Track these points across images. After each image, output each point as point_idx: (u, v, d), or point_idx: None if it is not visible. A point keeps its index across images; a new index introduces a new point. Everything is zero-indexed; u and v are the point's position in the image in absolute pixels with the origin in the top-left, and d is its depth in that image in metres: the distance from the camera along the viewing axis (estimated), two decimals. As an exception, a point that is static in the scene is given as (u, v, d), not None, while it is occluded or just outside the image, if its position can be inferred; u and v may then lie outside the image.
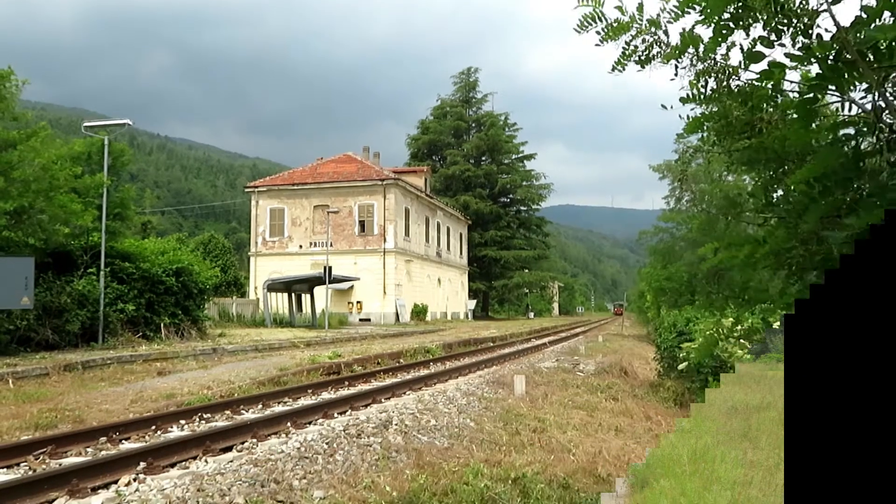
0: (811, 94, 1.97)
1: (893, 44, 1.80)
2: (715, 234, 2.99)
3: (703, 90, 2.32)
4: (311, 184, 46.25)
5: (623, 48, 2.33)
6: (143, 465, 6.42)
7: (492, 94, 75.95)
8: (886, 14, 1.80)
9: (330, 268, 29.47)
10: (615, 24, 2.26)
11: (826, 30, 2.00)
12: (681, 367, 11.52)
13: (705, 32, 2.15)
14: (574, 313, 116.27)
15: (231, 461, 6.46)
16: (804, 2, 2.00)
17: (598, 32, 2.29)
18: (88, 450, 7.39)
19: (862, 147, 2.04)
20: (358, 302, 44.49)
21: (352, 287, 43.31)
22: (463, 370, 16.21)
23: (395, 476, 6.31)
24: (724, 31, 2.11)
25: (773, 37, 2.06)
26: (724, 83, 2.28)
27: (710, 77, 2.30)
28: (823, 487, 0.82)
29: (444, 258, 56.84)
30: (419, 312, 47.14)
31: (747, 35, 2.11)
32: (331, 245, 39.36)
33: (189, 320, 22.44)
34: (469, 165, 69.79)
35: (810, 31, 2.02)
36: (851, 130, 2.06)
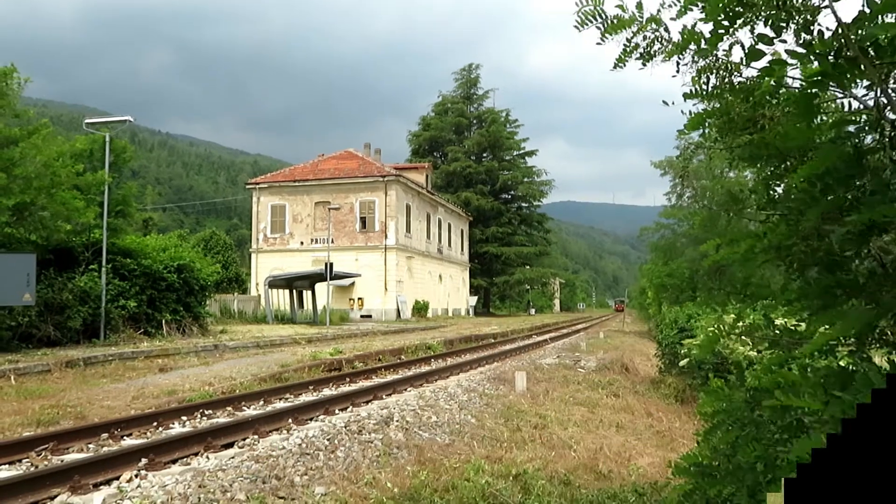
0: (811, 91, 1.96)
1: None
2: (716, 230, 2.99)
3: (704, 87, 2.32)
4: (313, 180, 46.25)
5: (624, 45, 2.32)
6: (144, 461, 6.43)
7: (493, 90, 75.94)
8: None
9: (331, 264, 29.47)
10: (615, 21, 2.25)
11: (827, 28, 1.99)
12: (682, 363, 11.51)
13: (707, 28, 2.15)
14: (575, 310, 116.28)
15: (232, 457, 6.47)
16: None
17: (598, 28, 2.28)
18: (90, 446, 7.40)
19: (864, 144, 2.04)
20: (359, 298, 44.52)
21: (353, 284, 43.34)
22: (464, 367, 16.21)
23: (396, 472, 6.32)
24: (723, 28, 2.10)
25: (773, 34, 2.06)
26: (726, 80, 2.28)
27: (711, 74, 2.30)
28: None
29: (446, 255, 56.84)
30: (420, 309, 47.17)
31: (752, 32, 2.10)
32: (332, 242, 39.37)
33: (190, 317, 22.47)
34: (470, 162, 69.72)
35: (812, 28, 2.02)
36: (853, 128, 2.05)
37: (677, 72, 2.31)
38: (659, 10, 2.24)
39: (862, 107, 2.02)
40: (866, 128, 2.01)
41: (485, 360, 18.27)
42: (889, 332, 2.18)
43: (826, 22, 2.00)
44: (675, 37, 2.25)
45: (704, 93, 2.33)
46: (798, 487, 1.16)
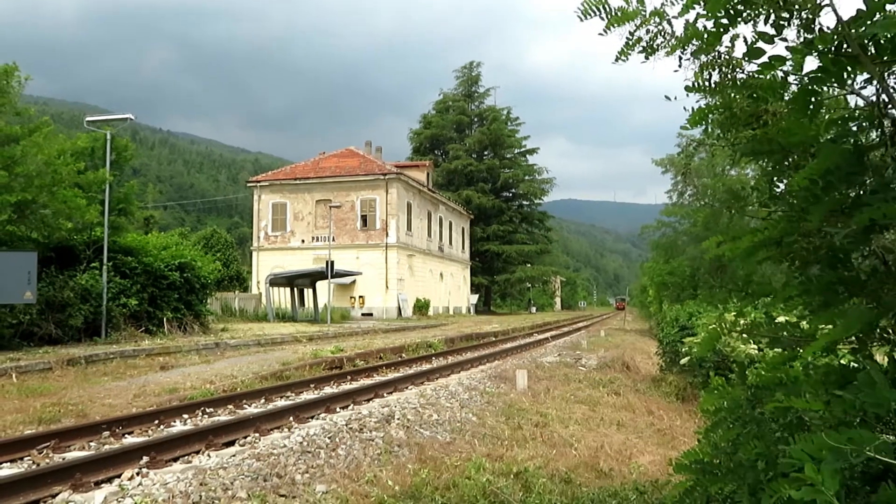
0: (810, 87, 1.96)
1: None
2: (718, 227, 2.98)
3: (707, 82, 2.31)
4: (314, 178, 46.25)
5: (627, 38, 2.32)
6: (146, 459, 6.43)
7: (494, 88, 75.95)
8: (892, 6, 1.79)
9: (332, 262, 29.46)
10: (619, 14, 2.24)
11: (827, 28, 1.98)
12: (683, 361, 11.50)
13: (710, 24, 2.14)
14: (576, 308, 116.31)
15: (234, 455, 6.47)
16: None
17: (601, 20, 2.27)
18: (91, 444, 7.41)
19: (865, 142, 2.03)
20: (360, 297, 44.53)
21: (354, 282, 43.35)
22: (465, 365, 16.22)
23: (397, 470, 6.32)
24: (725, 26, 2.09)
25: (774, 31, 2.05)
26: (729, 75, 2.27)
27: (714, 69, 2.29)
28: None
29: (447, 253, 56.83)
30: (421, 307, 47.17)
31: (755, 27, 2.09)
32: (333, 240, 39.37)
33: (191, 315, 22.49)
34: (471, 160, 69.71)
35: (813, 26, 2.01)
36: (854, 125, 2.04)
37: (679, 66, 2.30)
38: (662, 4, 2.23)
39: (863, 103, 2.02)
40: (866, 125, 2.01)
41: (486, 358, 18.27)
42: (890, 331, 2.18)
43: (826, 20, 2.00)
44: (678, 31, 2.24)
45: (707, 88, 2.32)
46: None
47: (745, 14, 2.06)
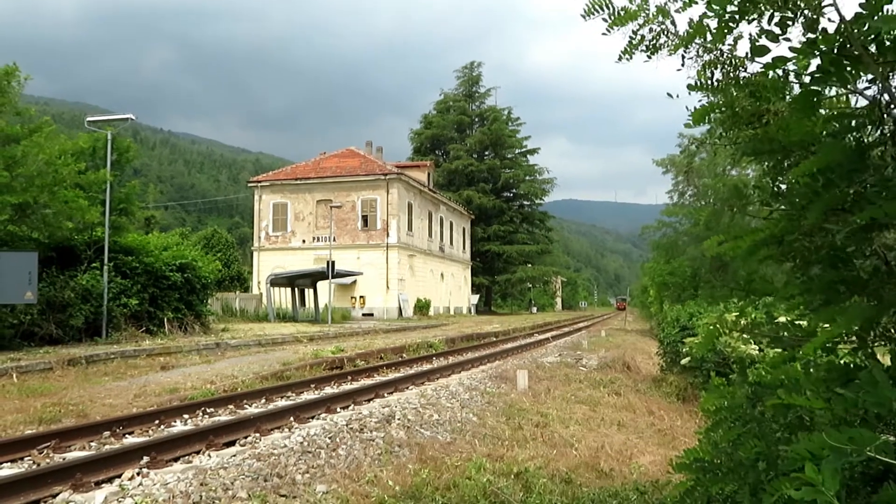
0: (813, 87, 1.95)
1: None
2: (719, 227, 2.98)
3: (709, 81, 2.31)
4: (314, 178, 46.25)
5: (630, 37, 2.31)
6: (146, 459, 6.43)
7: (495, 88, 75.96)
8: (891, 7, 1.78)
9: (333, 262, 29.45)
10: (622, 13, 2.24)
11: (830, 19, 1.98)
12: (683, 361, 11.50)
13: (713, 22, 2.14)
14: (577, 308, 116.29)
15: (234, 455, 6.47)
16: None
17: (604, 20, 2.27)
18: (92, 444, 7.41)
19: (866, 139, 2.03)
20: (361, 297, 44.52)
21: (355, 282, 43.35)
22: (466, 365, 16.21)
23: (397, 470, 6.32)
24: (730, 24, 2.09)
25: (779, 31, 2.05)
26: (731, 74, 2.27)
27: (716, 68, 2.29)
28: None
29: (447, 253, 56.83)
30: (422, 307, 47.17)
31: (759, 25, 2.09)
32: (334, 240, 39.37)
33: (192, 315, 22.49)
34: (472, 160, 69.72)
35: (816, 26, 2.01)
36: (854, 123, 2.04)
37: (682, 65, 2.30)
38: (666, 3, 2.23)
39: (865, 102, 2.01)
40: (867, 122, 2.00)
41: (486, 358, 18.27)
42: (892, 329, 2.18)
43: (830, 19, 2.00)
44: (682, 30, 2.24)
45: (709, 86, 2.32)
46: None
47: (751, 10, 2.06)
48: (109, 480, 5.91)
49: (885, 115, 1.96)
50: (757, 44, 2.09)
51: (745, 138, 2.36)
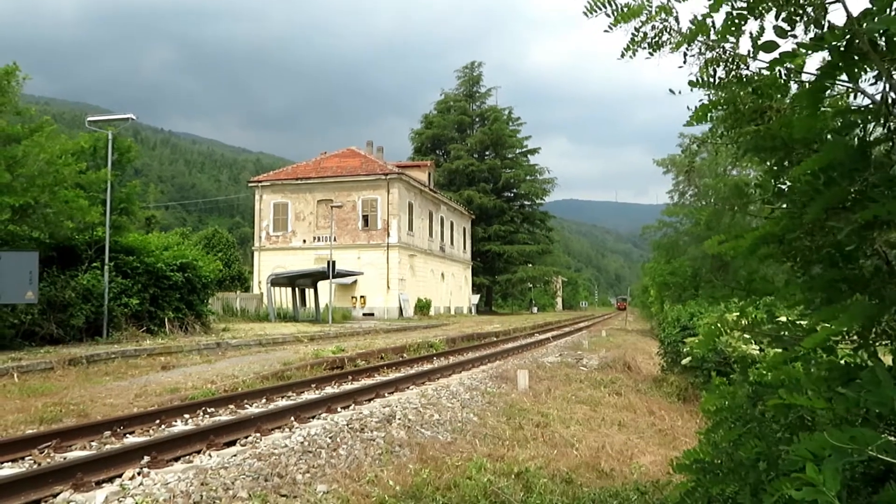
0: (820, 83, 1.95)
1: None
2: (720, 227, 2.98)
3: (711, 78, 2.31)
4: (315, 178, 46.25)
5: (632, 34, 2.31)
6: (147, 459, 6.43)
7: (495, 88, 75.96)
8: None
9: (333, 262, 29.46)
10: (625, 10, 2.24)
11: (831, 20, 1.98)
12: (684, 361, 11.48)
13: (717, 19, 2.14)
14: (577, 308, 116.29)
15: (235, 455, 6.47)
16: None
17: (607, 16, 2.26)
18: (93, 444, 7.41)
19: (868, 137, 2.02)
20: (361, 297, 44.52)
21: (355, 282, 43.34)
22: (466, 365, 16.21)
23: (398, 470, 6.31)
24: (736, 21, 2.08)
25: (788, 27, 2.04)
26: (733, 72, 2.27)
27: (718, 66, 2.29)
28: None
29: (448, 253, 56.83)
30: (423, 307, 47.16)
31: (761, 24, 2.09)
32: (334, 240, 39.36)
33: (193, 315, 22.49)
34: (473, 160, 69.71)
35: (822, 22, 2.00)
36: (857, 121, 2.04)
37: (684, 63, 2.30)
38: (668, 0, 2.23)
39: (869, 102, 2.01)
40: (870, 118, 2.00)
41: (487, 358, 18.26)
42: (894, 328, 2.17)
43: (836, 18, 2.00)
44: (684, 27, 2.24)
45: (711, 84, 2.32)
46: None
47: (762, 6, 2.06)
48: (110, 480, 5.91)
49: (890, 112, 1.95)
50: (762, 41, 2.09)
51: (746, 136, 2.36)
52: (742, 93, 2.26)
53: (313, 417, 8.99)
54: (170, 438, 7.16)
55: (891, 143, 1.98)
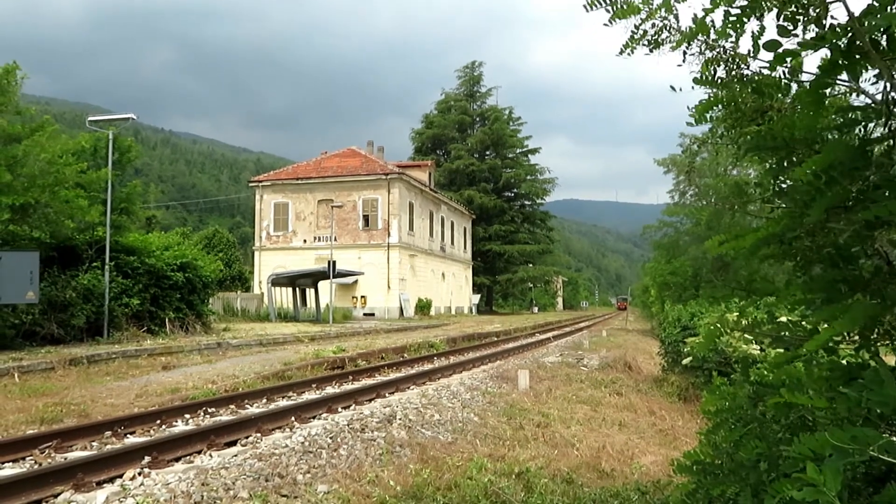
0: (821, 81, 1.95)
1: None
2: (721, 227, 2.98)
3: (711, 76, 2.30)
4: (316, 178, 46.25)
5: (632, 31, 2.31)
6: (147, 459, 6.43)
7: (496, 88, 76.01)
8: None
9: (334, 262, 29.46)
10: (625, 6, 2.23)
11: (833, 17, 1.98)
12: (685, 361, 11.48)
13: (717, 18, 2.13)
14: (578, 308, 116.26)
15: (235, 455, 6.47)
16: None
17: (607, 11, 2.26)
18: (93, 444, 7.41)
19: (869, 136, 2.02)
20: (362, 296, 44.52)
21: (356, 282, 43.35)
22: (467, 365, 16.21)
23: (398, 470, 6.31)
24: (736, 20, 2.08)
25: (790, 25, 2.04)
26: (734, 71, 2.26)
27: (719, 65, 2.28)
28: None
29: (449, 253, 56.82)
30: (423, 307, 47.16)
31: (760, 24, 2.09)
32: (335, 239, 39.36)
33: (194, 315, 22.49)
34: (473, 160, 69.70)
35: (823, 22, 2.00)
36: (858, 119, 2.03)
37: (683, 61, 2.29)
38: None
39: (870, 101, 2.00)
40: (871, 116, 2.00)
41: (487, 358, 18.26)
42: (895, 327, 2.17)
43: (838, 16, 1.99)
44: (684, 25, 2.23)
45: (713, 82, 2.31)
46: None
47: (756, 9, 2.05)
48: (111, 480, 5.92)
49: (891, 112, 1.95)
50: (763, 40, 2.08)
51: (747, 135, 2.36)
52: (743, 92, 2.26)
53: (314, 417, 8.99)
54: (170, 438, 7.16)
55: (891, 143, 1.98)
